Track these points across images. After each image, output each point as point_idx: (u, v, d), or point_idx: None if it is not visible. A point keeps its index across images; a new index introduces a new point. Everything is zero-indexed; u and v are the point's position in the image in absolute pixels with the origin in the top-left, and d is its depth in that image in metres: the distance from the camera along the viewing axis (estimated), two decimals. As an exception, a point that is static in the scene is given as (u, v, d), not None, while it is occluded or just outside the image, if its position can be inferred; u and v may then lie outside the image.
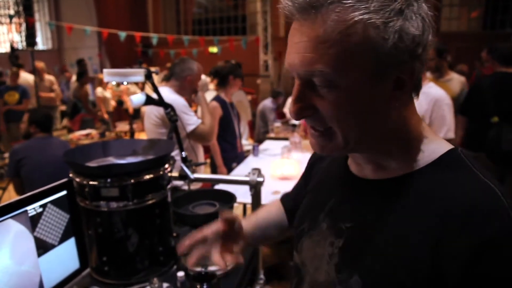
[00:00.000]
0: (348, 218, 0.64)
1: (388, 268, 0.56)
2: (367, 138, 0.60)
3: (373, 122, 0.58)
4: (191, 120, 2.32)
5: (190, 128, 2.29)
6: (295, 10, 0.54)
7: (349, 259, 0.61)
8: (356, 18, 0.51)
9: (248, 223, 0.92)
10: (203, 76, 2.56)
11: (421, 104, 2.41)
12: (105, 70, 1.34)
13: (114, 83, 1.38)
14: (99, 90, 6.76)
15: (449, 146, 0.62)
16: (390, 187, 0.61)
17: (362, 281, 0.58)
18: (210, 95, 4.07)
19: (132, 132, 6.08)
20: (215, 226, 0.82)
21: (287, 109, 5.83)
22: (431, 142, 0.62)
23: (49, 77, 6.78)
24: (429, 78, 2.98)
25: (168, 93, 2.33)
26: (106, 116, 6.59)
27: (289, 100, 5.01)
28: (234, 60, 3.59)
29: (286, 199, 0.99)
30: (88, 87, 6.86)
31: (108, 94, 6.92)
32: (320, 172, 0.81)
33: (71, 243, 1.25)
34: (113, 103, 7.11)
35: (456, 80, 3.50)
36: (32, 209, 1.09)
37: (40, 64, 6.54)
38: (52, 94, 6.72)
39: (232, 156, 3.26)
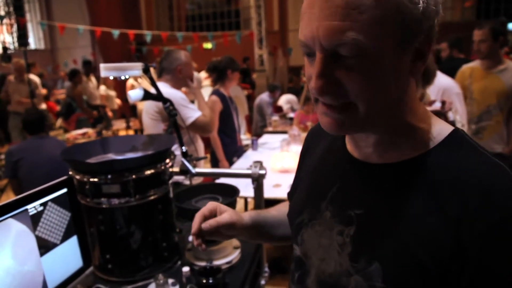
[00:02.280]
0: (357, 204, 0.62)
1: (409, 251, 0.55)
2: (387, 112, 0.58)
3: (394, 95, 0.56)
4: (191, 112, 2.30)
5: (190, 120, 2.26)
6: None
7: (365, 247, 0.59)
8: None
9: (256, 217, 0.89)
10: (196, 73, 2.52)
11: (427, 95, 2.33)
12: (102, 65, 1.31)
13: (111, 77, 1.36)
14: (102, 88, 6.67)
15: (451, 126, 0.62)
16: (401, 170, 0.60)
17: (383, 267, 0.56)
18: (205, 91, 4.03)
19: (141, 130, 5.89)
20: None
21: (282, 103, 5.80)
22: (436, 122, 0.62)
23: (33, 78, 5.88)
24: (476, 67, 2.68)
25: (165, 88, 2.30)
26: (110, 113, 6.51)
27: (284, 96, 4.94)
28: (230, 56, 3.56)
29: (291, 195, 0.95)
30: (90, 85, 6.72)
31: (112, 92, 6.84)
32: (316, 159, 0.77)
33: (73, 242, 1.23)
34: (118, 101, 7.04)
35: None
36: (33, 207, 1.07)
37: (19, 62, 5.62)
38: (26, 100, 5.50)
39: (232, 149, 3.24)
